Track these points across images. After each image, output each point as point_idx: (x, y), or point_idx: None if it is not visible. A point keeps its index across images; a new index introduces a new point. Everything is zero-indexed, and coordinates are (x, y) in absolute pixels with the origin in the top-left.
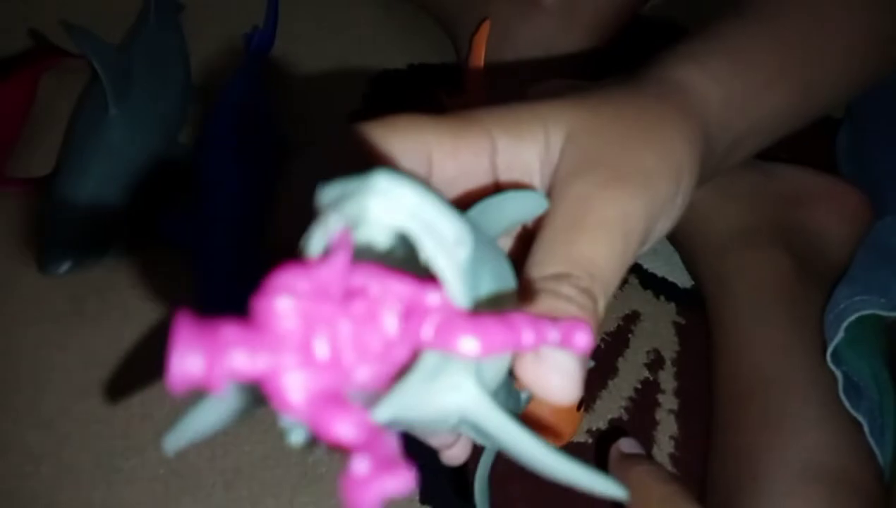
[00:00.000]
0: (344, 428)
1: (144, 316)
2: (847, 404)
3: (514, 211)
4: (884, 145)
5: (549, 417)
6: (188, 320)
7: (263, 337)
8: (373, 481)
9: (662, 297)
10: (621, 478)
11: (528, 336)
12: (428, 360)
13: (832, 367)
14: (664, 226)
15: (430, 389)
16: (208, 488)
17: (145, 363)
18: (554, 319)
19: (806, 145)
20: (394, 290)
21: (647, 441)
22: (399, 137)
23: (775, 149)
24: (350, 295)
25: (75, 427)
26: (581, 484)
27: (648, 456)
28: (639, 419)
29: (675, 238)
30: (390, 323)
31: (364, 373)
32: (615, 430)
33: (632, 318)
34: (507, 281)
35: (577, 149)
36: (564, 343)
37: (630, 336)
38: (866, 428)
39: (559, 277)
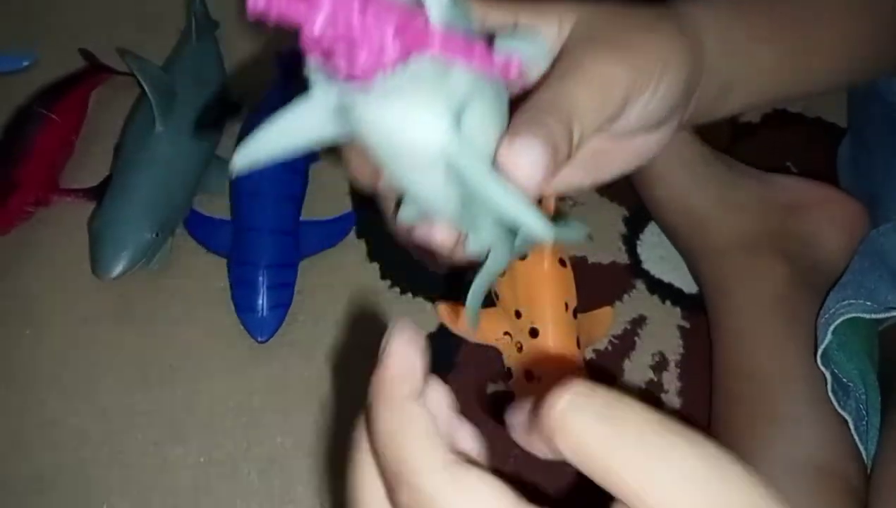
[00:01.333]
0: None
1: (186, 318)
2: (835, 402)
3: (531, 53)
4: (883, 157)
5: None
6: None
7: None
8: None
9: (668, 302)
10: None
11: (479, 53)
12: (414, 62)
13: (821, 368)
14: (643, 108)
15: (416, 104)
16: (244, 476)
17: None
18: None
19: (811, 154)
20: (396, 8)
21: None
22: None
23: (782, 157)
24: (367, 3)
25: (126, 419)
26: (533, 229)
27: None
28: None
29: (680, 244)
30: (389, 26)
31: (365, 51)
32: None
33: (638, 322)
34: (499, 115)
35: (581, 30)
36: (503, 70)
37: (637, 339)
38: (852, 425)
39: (542, 109)
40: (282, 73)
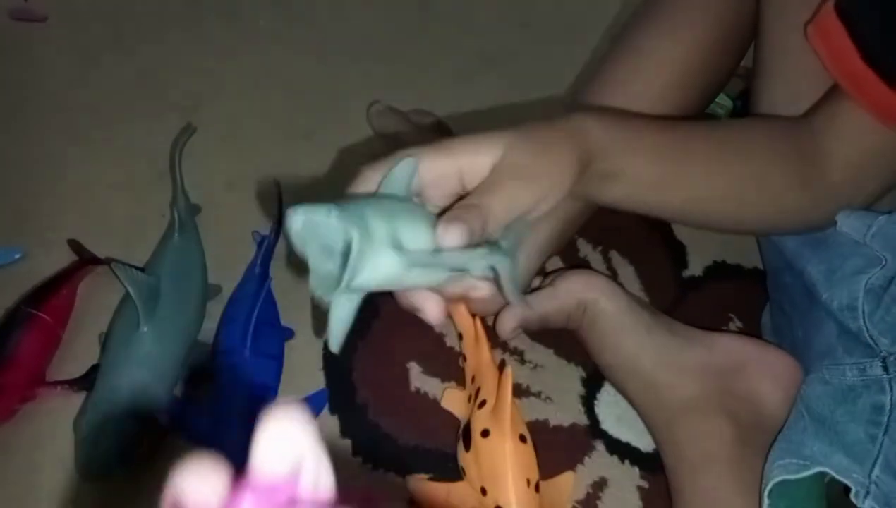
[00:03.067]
0: None
1: None
2: None
3: (404, 174)
4: (802, 324)
5: None
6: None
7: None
8: None
9: (627, 462)
10: None
11: None
12: None
13: None
14: (548, 204)
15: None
16: None
17: None
18: None
19: (752, 305)
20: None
21: None
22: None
23: (725, 309)
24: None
25: None
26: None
27: None
28: None
29: (634, 404)
30: None
31: None
32: None
33: (600, 485)
34: (421, 222)
35: (505, 157)
36: None
37: (598, 502)
38: None
39: (469, 208)
40: (260, 251)
